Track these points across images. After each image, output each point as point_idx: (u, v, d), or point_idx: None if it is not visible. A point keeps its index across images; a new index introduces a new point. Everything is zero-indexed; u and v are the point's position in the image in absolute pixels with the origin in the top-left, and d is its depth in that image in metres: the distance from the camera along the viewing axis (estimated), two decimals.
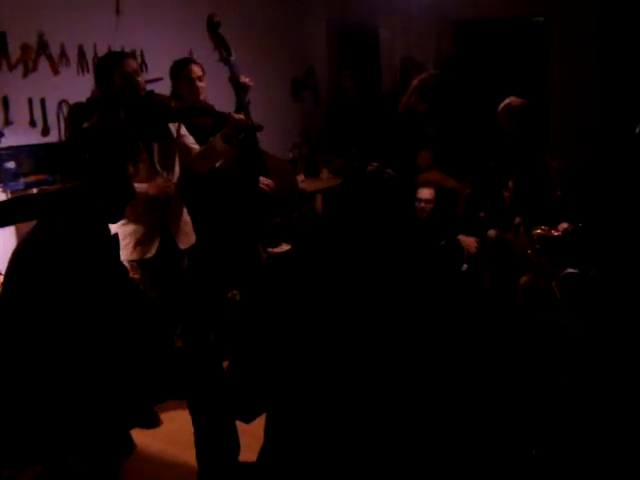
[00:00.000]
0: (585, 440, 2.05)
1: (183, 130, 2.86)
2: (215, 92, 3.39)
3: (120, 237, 2.61)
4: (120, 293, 2.21)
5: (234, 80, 3.33)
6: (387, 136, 4.86)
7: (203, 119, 2.92)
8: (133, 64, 2.68)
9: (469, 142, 4.42)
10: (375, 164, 4.18)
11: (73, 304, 2.01)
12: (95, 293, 2.07)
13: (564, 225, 3.32)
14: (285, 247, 3.88)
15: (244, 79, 3.32)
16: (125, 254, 2.68)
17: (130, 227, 2.70)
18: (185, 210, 2.92)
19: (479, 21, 5.06)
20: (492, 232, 3.70)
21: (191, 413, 2.30)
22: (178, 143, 2.84)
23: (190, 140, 2.91)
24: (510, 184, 3.69)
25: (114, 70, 2.62)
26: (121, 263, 2.37)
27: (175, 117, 2.77)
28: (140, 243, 2.73)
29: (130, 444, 2.68)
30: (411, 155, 4.71)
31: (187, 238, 2.90)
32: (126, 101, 2.60)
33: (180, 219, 2.87)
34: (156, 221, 2.76)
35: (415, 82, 4.65)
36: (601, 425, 2.10)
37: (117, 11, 3.88)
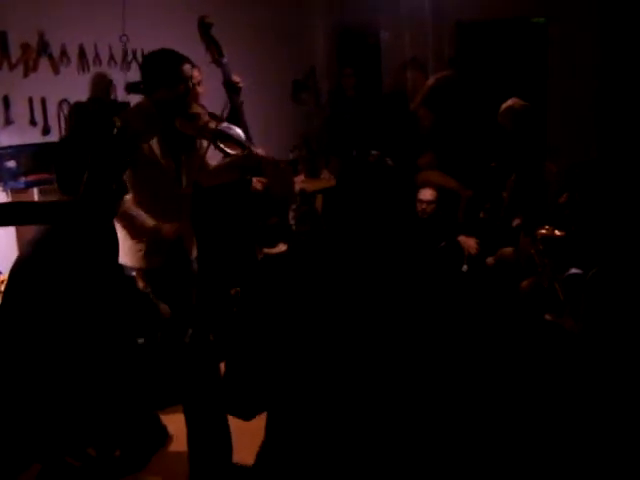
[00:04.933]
0: (586, 441, 2.05)
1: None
2: (206, 94, 3.39)
3: (132, 245, 2.64)
4: (120, 292, 2.22)
5: (227, 82, 3.33)
6: (388, 137, 4.86)
7: (230, 145, 2.81)
8: (191, 72, 2.68)
9: (470, 143, 4.42)
10: (375, 152, 4.19)
11: (74, 301, 2.01)
12: (96, 289, 2.07)
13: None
14: (282, 247, 3.88)
15: (235, 78, 3.32)
16: (134, 262, 2.69)
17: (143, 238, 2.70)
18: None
19: (480, 22, 5.05)
20: (490, 260, 3.71)
21: (185, 413, 2.30)
22: (201, 158, 2.84)
23: (208, 156, 2.91)
24: (509, 184, 3.69)
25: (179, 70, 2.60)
26: (118, 264, 2.37)
27: (207, 136, 2.73)
28: (149, 253, 2.72)
29: (164, 435, 2.69)
30: (412, 156, 4.71)
31: (195, 247, 2.94)
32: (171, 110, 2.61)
33: (191, 231, 2.90)
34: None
35: (432, 81, 4.63)
36: (602, 426, 2.09)
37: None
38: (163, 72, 2.62)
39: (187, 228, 2.87)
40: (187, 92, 2.65)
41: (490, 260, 3.70)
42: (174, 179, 2.72)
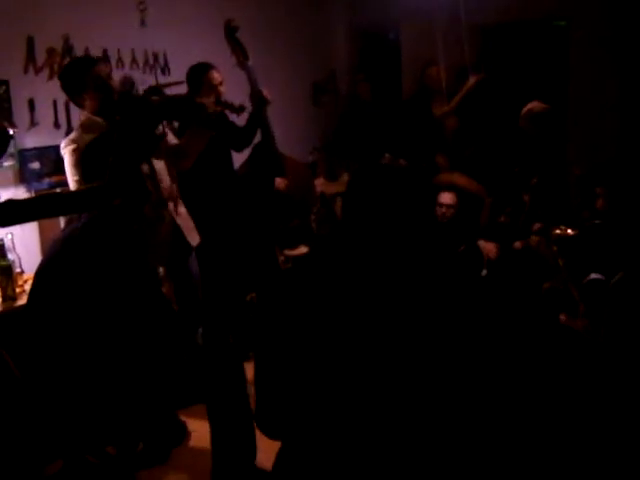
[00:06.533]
0: (595, 444, 2.03)
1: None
2: (232, 97, 3.42)
3: None
4: (146, 292, 2.24)
5: (252, 86, 3.35)
6: (407, 139, 4.84)
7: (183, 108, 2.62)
8: (105, 69, 2.59)
9: (492, 146, 4.39)
10: (388, 155, 4.17)
11: (99, 301, 2.04)
12: (122, 288, 2.09)
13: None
14: (303, 249, 3.89)
15: (265, 92, 3.34)
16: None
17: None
18: (184, 207, 2.88)
19: (501, 24, 5.02)
20: (518, 244, 3.67)
21: (209, 414, 2.31)
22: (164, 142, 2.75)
23: (170, 137, 2.81)
24: (531, 188, 3.66)
25: (85, 76, 2.50)
26: (148, 264, 2.39)
27: (155, 113, 2.55)
28: (154, 248, 2.69)
29: (183, 431, 2.71)
30: (432, 159, 4.69)
31: (194, 234, 2.89)
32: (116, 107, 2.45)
33: (184, 215, 2.85)
34: (168, 221, 2.74)
35: (472, 82, 4.59)
36: (610, 428, 2.07)
37: (142, 22, 3.90)
38: (77, 80, 2.52)
39: (179, 213, 2.79)
40: (107, 93, 2.50)
41: (518, 244, 3.66)
42: (144, 174, 2.61)
